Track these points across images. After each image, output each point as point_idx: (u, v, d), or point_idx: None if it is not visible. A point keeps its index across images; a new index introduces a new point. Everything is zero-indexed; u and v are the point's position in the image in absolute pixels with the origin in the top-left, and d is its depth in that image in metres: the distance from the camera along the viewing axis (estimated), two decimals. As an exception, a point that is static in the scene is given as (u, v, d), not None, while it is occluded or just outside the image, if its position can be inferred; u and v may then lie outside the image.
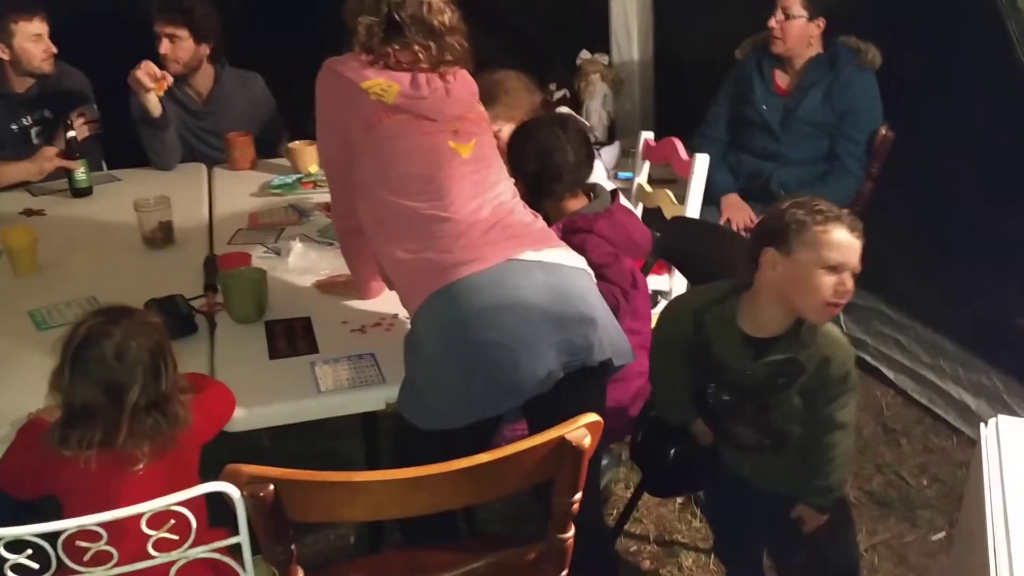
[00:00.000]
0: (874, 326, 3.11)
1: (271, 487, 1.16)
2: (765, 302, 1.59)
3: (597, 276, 1.85)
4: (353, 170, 1.77)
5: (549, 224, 1.88)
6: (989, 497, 1.41)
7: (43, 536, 1.16)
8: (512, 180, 1.85)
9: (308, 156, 2.94)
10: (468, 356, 1.61)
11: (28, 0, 2.91)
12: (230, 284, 1.99)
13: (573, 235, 1.97)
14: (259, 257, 2.31)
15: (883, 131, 2.89)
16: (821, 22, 2.92)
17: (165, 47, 3.01)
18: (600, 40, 3.76)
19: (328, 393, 1.74)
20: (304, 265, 2.26)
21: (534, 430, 1.75)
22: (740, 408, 1.67)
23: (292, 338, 1.92)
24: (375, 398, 1.75)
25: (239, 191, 2.86)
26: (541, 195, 2.04)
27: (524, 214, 1.77)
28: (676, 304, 1.80)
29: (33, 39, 2.88)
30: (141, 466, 1.43)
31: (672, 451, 1.85)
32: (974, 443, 2.61)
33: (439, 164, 1.71)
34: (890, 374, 3.05)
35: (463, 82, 1.81)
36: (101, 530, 1.15)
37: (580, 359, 1.65)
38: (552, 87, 3.66)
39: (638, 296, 2.10)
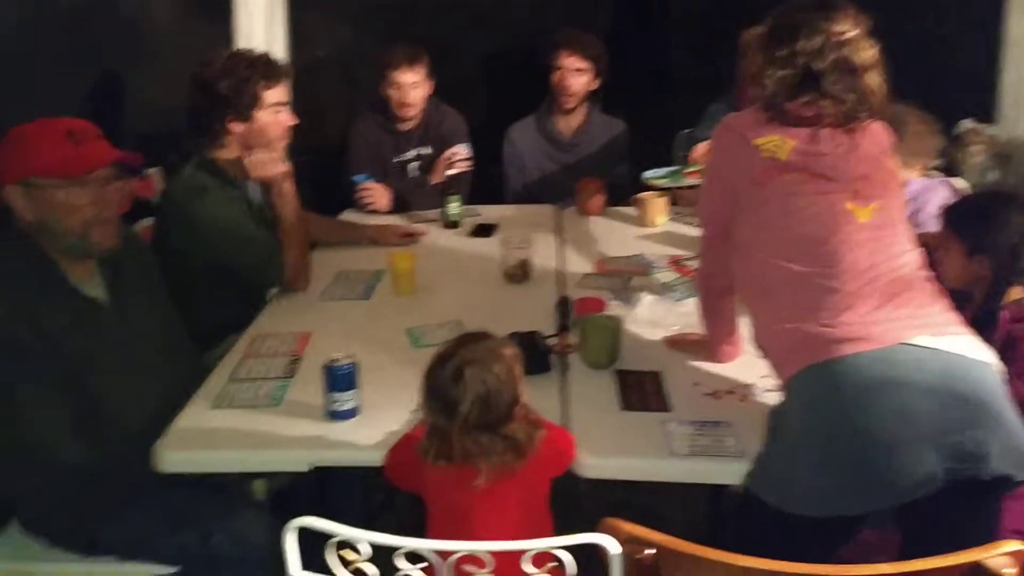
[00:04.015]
0: None
1: (652, 551, 1.11)
2: None
3: None
4: (734, 227, 1.72)
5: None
6: None
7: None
8: (918, 250, 1.67)
9: (656, 208, 2.95)
10: (835, 441, 1.48)
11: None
12: (589, 329, 2.00)
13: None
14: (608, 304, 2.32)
15: None
16: None
17: (575, 81, 3.27)
18: (984, 109, 3.45)
19: (681, 457, 1.67)
20: (652, 318, 2.24)
21: (908, 542, 1.58)
22: None
23: (643, 392, 1.89)
24: (732, 472, 1.64)
25: (586, 236, 2.92)
26: (1015, 273, 1.84)
27: (926, 290, 1.60)
28: None
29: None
30: (481, 482, 1.47)
31: None
32: None
33: (832, 227, 1.59)
34: None
35: (874, 136, 1.67)
36: (490, 558, 1.17)
37: (969, 468, 1.45)
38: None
39: None
